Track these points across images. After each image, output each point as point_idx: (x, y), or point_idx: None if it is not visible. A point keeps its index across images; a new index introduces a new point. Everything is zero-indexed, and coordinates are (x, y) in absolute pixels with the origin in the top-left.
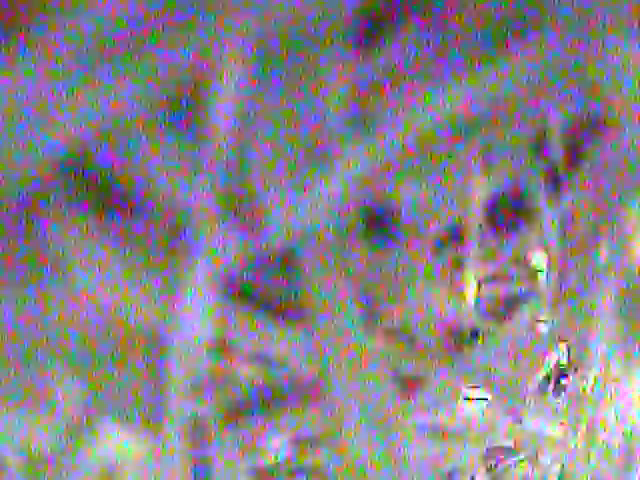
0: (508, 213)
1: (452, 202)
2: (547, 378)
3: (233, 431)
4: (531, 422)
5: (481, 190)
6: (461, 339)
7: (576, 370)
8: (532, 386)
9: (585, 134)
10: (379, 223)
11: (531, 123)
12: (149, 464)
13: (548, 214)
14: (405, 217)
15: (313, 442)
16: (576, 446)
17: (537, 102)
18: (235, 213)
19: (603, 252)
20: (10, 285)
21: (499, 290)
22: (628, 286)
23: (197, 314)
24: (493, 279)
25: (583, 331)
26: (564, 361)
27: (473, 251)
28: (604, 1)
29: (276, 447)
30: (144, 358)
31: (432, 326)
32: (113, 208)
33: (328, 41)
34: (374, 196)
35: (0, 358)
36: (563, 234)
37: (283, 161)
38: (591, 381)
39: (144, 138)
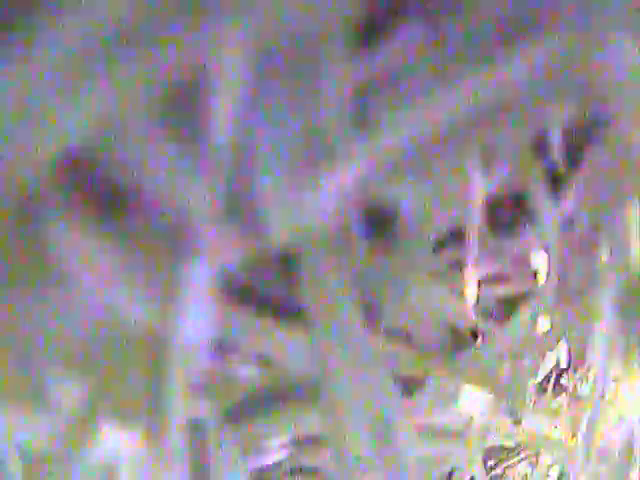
0: (508, 213)
1: (452, 202)
2: (547, 378)
3: (233, 431)
4: (531, 422)
5: (481, 190)
6: (461, 339)
7: (576, 370)
8: (532, 386)
9: (585, 134)
10: (379, 223)
11: (531, 123)
12: (149, 464)
13: (548, 214)
14: (405, 217)
15: (313, 442)
16: (576, 446)
17: (537, 102)
18: (235, 213)
19: (603, 252)
20: (10, 285)
21: (499, 290)
22: (628, 286)
23: (197, 314)
24: (493, 279)
25: (583, 331)
26: (564, 361)
27: (473, 251)
28: (604, 1)
29: (276, 447)
30: (144, 358)
31: (432, 326)
32: (113, 208)
33: (328, 41)
34: (374, 196)
35: (0, 358)
36: (563, 234)
37: (283, 161)
38: (591, 381)
39: (144, 138)
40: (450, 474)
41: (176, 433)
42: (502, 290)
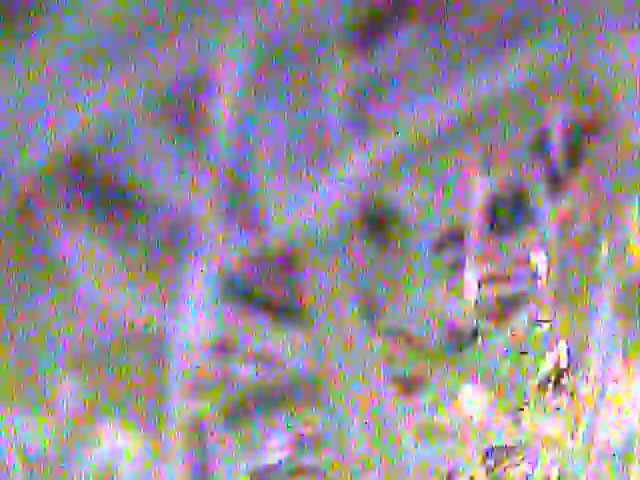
0: (508, 213)
1: (452, 202)
2: (547, 378)
3: (233, 431)
4: (531, 422)
5: (481, 190)
6: (461, 339)
7: (576, 370)
8: (532, 386)
9: (585, 134)
10: (379, 223)
11: (531, 123)
12: (149, 464)
13: (548, 214)
14: (405, 217)
15: (313, 442)
16: (576, 446)
17: (537, 102)
18: (235, 213)
19: (603, 252)
20: (10, 285)
21: (499, 290)
22: (628, 286)
23: (197, 314)
24: (493, 279)
25: (583, 331)
26: (564, 361)
27: (473, 251)
28: (604, 1)
29: (276, 447)
30: (144, 358)
31: (432, 326)
32: (113, 208)
33: (328, 41)
34: (374, 196)
35: (0, 358)
36: (563, 234)
37: (283, 161)
38: (591, 381)
39: (144, 138)
40: (450, 474)
41: (176, 433)
42: (502, 290)
